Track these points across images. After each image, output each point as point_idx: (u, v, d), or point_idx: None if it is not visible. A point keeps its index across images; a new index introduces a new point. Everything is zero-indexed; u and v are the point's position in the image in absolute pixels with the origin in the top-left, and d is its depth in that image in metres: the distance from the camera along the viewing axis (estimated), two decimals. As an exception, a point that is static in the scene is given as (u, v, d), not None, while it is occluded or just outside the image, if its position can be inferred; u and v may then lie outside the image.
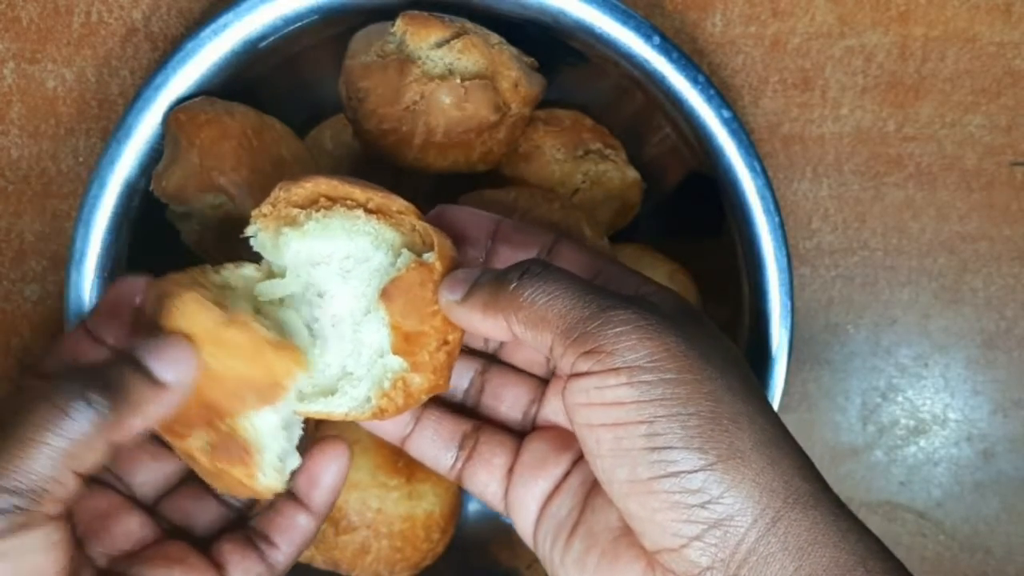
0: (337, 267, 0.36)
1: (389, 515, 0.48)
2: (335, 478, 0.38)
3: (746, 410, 0.31)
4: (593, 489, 0.36)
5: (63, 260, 0.46)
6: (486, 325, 0.34)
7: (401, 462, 0.49)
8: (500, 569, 0.56)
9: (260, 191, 0.44)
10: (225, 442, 0.35)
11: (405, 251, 0.36)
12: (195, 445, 0.35)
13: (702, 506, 0.30)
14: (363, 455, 0.49)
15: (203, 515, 0.40)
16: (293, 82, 0.51)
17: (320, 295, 0.37)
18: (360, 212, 0.36)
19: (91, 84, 0.54)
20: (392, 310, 0.35)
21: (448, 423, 0.39)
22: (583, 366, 0.31)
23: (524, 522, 0.37)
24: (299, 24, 0.46)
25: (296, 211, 0.36)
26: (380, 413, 0.36)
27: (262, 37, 0.46)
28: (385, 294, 0.35)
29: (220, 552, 0.38)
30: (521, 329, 0.33)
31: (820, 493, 0.31)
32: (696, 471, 0.30)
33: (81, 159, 0.54)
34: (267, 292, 0.37)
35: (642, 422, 0.31)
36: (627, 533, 0.34)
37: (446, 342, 0.36)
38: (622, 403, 0.31)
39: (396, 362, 0.36)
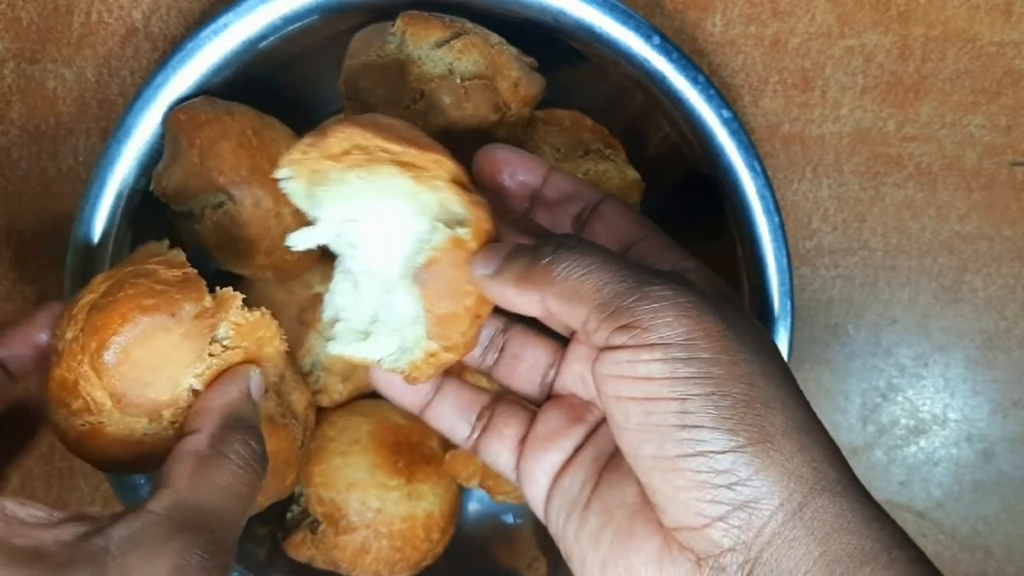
0: (369, 226, 0.35)
1: (389, 515, 0.48)
2: None
3: (779, 395, 0.31)
4: (608, 464, 0.36)
5: (63, 260, 0.46)
6: (520, 299, 0.33)
7: (401, 462, 0.49)
8: (500, 569, 0.56)
9: (260, 191, 0.44)
10: None
11: (440, 225, 0.34)
12: None
13: (728, 487, 0.30)
14: (363, 455, 0.49)
15: None
16: (293, 82, 0.51)
17: (353, 246, 0.36)
18: (395, 169, 0.34)
19: (91, 84, 0.54)
20: (426, 295, 0.34)
21: (467, 394, 0.39)
22: (617, 340, 0.31)
23: (536, 495, 0.37)
24: (299, 24, 0.46)
25: (328, 164, 0.34)
26: (411, 380, 0.36)
27: (262, 37, 0.46)
28: (418, 279, 0.34)
29: None
30: (556, 304, 0.32)
31: (847, 481, 0.31)
32: (725, 452, 0.30)
33: (81, 159, 0.54)
34: (299, 241, 0.36)
35: (674, 399, 0.30)
36: (643, 509, 0.33)
37: (478, 316, 0.35)
38: (654, 378, 0.31)
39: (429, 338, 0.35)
